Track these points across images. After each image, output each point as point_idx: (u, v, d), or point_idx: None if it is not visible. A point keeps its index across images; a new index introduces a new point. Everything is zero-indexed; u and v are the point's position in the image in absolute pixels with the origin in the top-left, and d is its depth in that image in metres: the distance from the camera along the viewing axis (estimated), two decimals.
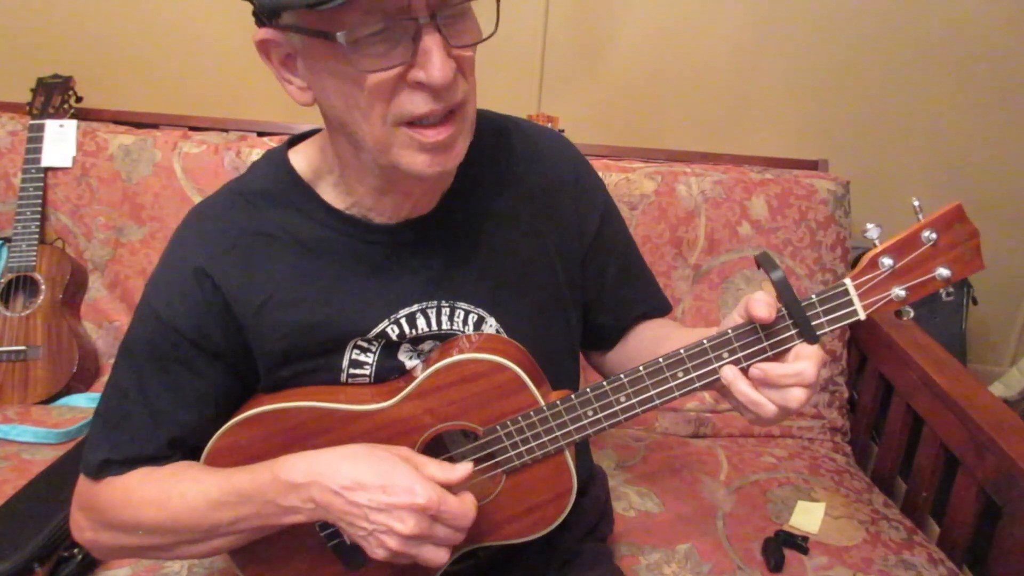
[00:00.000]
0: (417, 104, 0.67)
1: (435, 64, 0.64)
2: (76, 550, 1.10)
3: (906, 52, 1.82)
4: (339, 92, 0.68)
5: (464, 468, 0.75)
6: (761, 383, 0.72)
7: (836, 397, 1.59)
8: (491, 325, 0.85)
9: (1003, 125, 1.89)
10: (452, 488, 0.74)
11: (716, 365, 0.74)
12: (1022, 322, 2.13)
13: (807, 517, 1.25)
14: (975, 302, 1.90)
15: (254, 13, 0.70)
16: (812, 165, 1.78)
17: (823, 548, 1.19)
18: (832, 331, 0.72)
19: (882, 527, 1.26)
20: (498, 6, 0.68)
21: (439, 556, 0.73)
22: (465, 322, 0.84)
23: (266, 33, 0.69)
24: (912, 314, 0.72)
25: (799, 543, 1.18)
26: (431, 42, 0.64)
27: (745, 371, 0.73)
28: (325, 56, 0.67)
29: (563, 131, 1.62)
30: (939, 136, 1.90)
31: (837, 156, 1.83)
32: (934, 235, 0.69)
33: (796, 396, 0.70)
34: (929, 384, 1.32)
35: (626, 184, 1.57)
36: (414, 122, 0.69)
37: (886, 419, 1.50)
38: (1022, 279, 2.06)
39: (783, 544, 1.18)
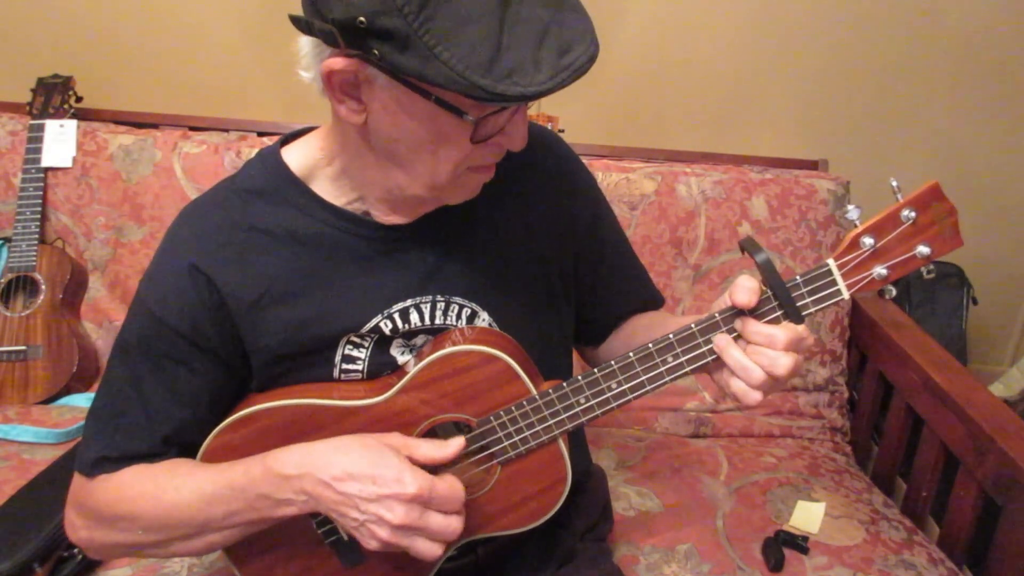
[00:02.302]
0: (487, 158, 0.74)
1: (520, 135, 0.72)
2: (76, 550, 1.10)
3: (907, 52, 1.82)
4: (415, 137, 0.70)
5: (456, 443, 0.76)
6: (741, 335, 0.73)
7: (836, 397, 1.59)
8: (484, 319, 0.86)
9: (1003, 125, 1.89)
10: (440, 470, 0.74)
11: (705, 348, 0.75)
12: (1022, 322, 2.13)
13: (807, 517, 1.25)
14: (975, 302, 1.90)
15: (317, 29, 0.64)
16: (812, 165, 1.78)
17: (823, 548, 1.19)
18: (817, 310, 0.73)
19: (882, 527, 1.25)
20: None
21: (432, 549, 0.73)
22: (459, 316, 0.84)
23: (342, 63, 0.65)
24: (894, 292, 0.74)
25: (799, 543, 1.18)
26: (521, 116, 0.71)
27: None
28: (412, 99, 0.65)
29: (563, 131, 1.62)
30: (939, 136, 1.90)
31: (837, 156, 1.83)
32: (913, 214, 0.70)
33: (782, 363, 0.70)
34: (929, 384, 1.32)
35: (626, 184, 1.57)
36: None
37: (886, 419, 1.50)
38: (1022, 279, 2.06)
39: (783, 544, 1.18)
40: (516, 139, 0.72)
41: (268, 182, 0.81)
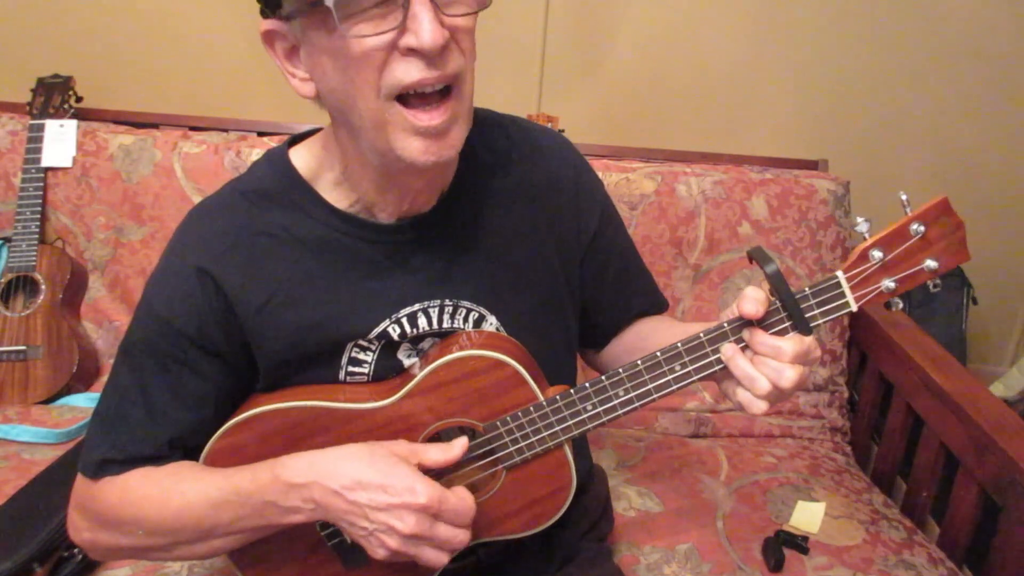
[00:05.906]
0: (409, 72, 0.66)
1: (424, 27, 0.64)
2: (76, 550, 1.10)
3: (906, 52, 1.82)
4: (336, 70, 0.68)
5: (460, 443, 0.76)
6: (748, 346, 0.74)
7: (836, 397, 1.60)
8: (491, 323, 0.85)
9: (1003, 125, 1.89)
10: (445, 474, 0.74)
11: (712, 358, 0.75)
12: (1022, 322, 2.13)
13: (807, 517, 1.25)
14: (975, 302, 1.90)
15: (260, 7, 0.72)
16: (812, 165, 1.78)
17: (823, 548, 1.19)
18: (826, 323, 0.73)
19: (882, 527, 1.26)
20: None
21: (439, 558, 0.73)
22: (466, 320, 0.84)
23: (270, 24, 0.71)
24: (901, 305, 0.75)
25: (799, 543, 1.18)
26: (420, 7, 0.64)
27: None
28: (320, 36, 0.67)
29: (563, 131, 1.62)
30: (939, 136, 1.90)
31: (837, 156, 1.83)
32: (922, 228, 0.70)
33: (788, 376, 0.71)
34: (929, 384, 1.32)
35: (626, 184, 1.57)
36: (409, 102, 0.68)
37: (886, 419, 1.50)
38: (1022, 279, 2.06)
39: (783, 544, 1.18)
40: (420, 33, 0.64)
41: (275, 185, 0.81)
